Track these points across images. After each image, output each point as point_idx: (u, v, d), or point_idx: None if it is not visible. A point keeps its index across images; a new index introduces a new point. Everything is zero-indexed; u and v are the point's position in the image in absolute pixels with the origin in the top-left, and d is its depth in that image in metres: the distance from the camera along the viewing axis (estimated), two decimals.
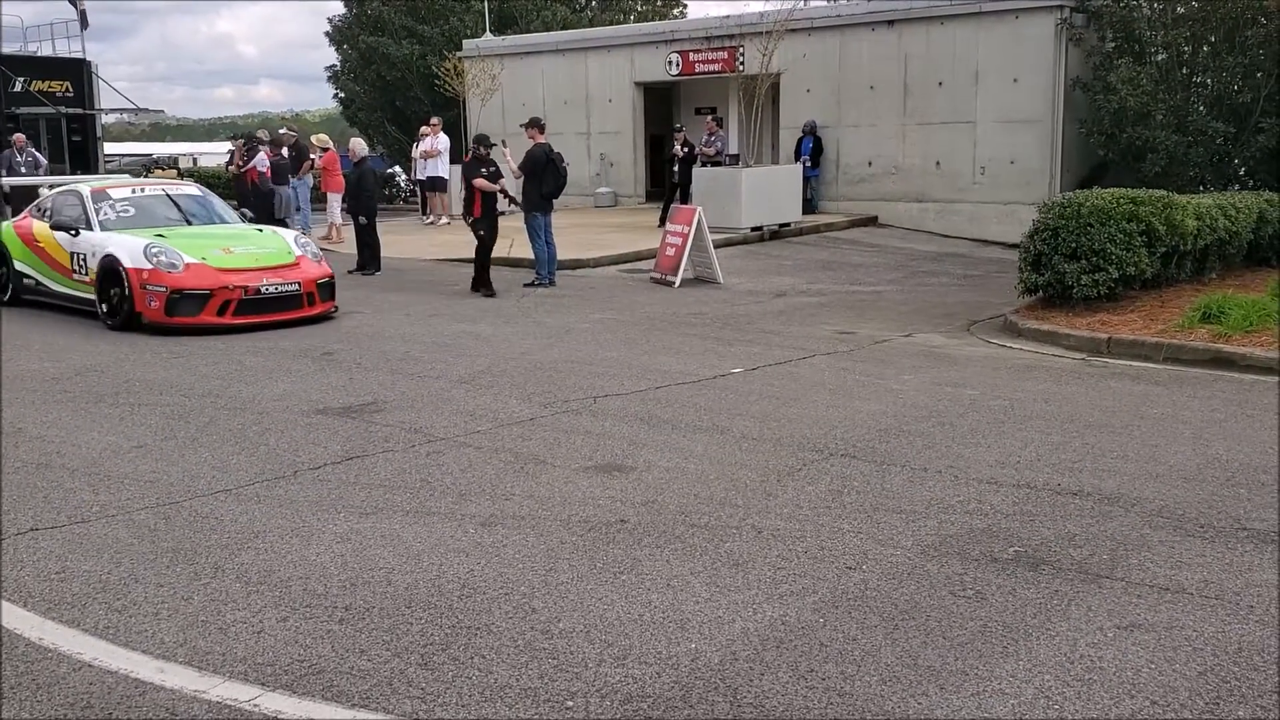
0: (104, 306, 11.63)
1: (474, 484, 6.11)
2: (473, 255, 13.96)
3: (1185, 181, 16.62)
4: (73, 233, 12.29)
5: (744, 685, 3.82)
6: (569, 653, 4.08)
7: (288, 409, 7.81)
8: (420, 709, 3.68)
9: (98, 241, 11.96)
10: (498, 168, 13.98)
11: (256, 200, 18.39)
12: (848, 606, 4.48)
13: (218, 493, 6.01)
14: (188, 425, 7.44)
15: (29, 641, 4.18)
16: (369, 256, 16.02)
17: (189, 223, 12.90)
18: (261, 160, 18.63)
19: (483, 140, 14.26)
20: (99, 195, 12.76)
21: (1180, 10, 18.03)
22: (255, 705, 3.70)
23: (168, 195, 13.51)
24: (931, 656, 4.04)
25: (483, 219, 13.71)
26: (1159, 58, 18.37)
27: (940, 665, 3.97)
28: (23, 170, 19.79)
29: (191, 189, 14.19)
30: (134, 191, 13.21)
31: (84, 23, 35.22)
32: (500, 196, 14.00)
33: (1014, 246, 13.92)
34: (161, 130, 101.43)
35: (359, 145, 17.36)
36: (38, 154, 21.76)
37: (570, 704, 3.71)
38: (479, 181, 13.64)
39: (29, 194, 18.67)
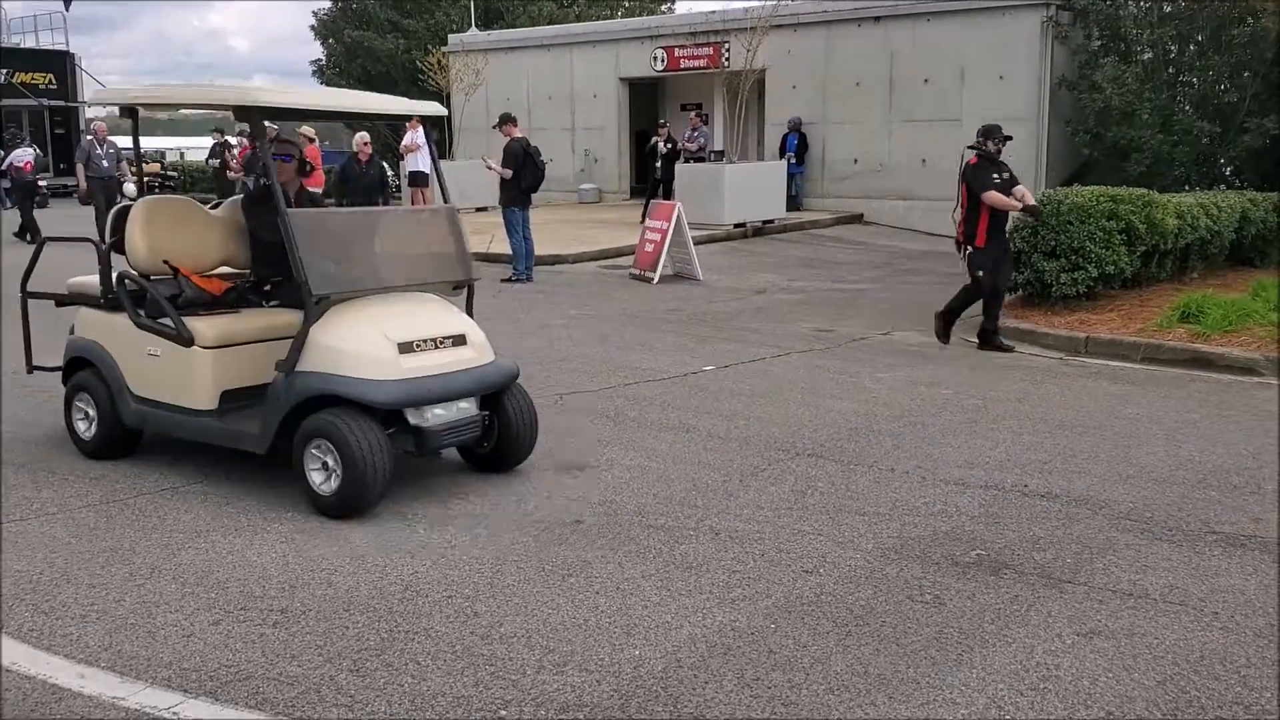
0: None
1: (427, 483, 5.96)
2: None
3: (1170, 181, 16.50)
4: None
5: (686, 694, 3.68)
6: (508, 659, 3.94)
7: None
8: (345, 716, 3.53)
9: None
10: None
11: (16, 190, 19.24)
12: (801, 612, 4.35)
13: (164, 490, 5.85)
14: None
15: None
16: None
17: None
18: (19, 155, 19.33)
19: None
20: None
21: (1167, 9, 17.93)
22: (174, 713, 3.55)
23: None
24: (882, 664, 3.91)
25: None
26: (1145, 56, 18.27)
27: (891, 673, 3.84)
28: (104, 163, 19.00)
29: None
30: None
31: (67, 4, 34.88)
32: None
33: None
34: (152, 124, 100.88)
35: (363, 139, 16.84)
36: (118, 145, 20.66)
37: (503, 713, 3.57)
38: None
39: (107, 185, 18.80)
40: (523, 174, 13.94)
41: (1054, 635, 4.14)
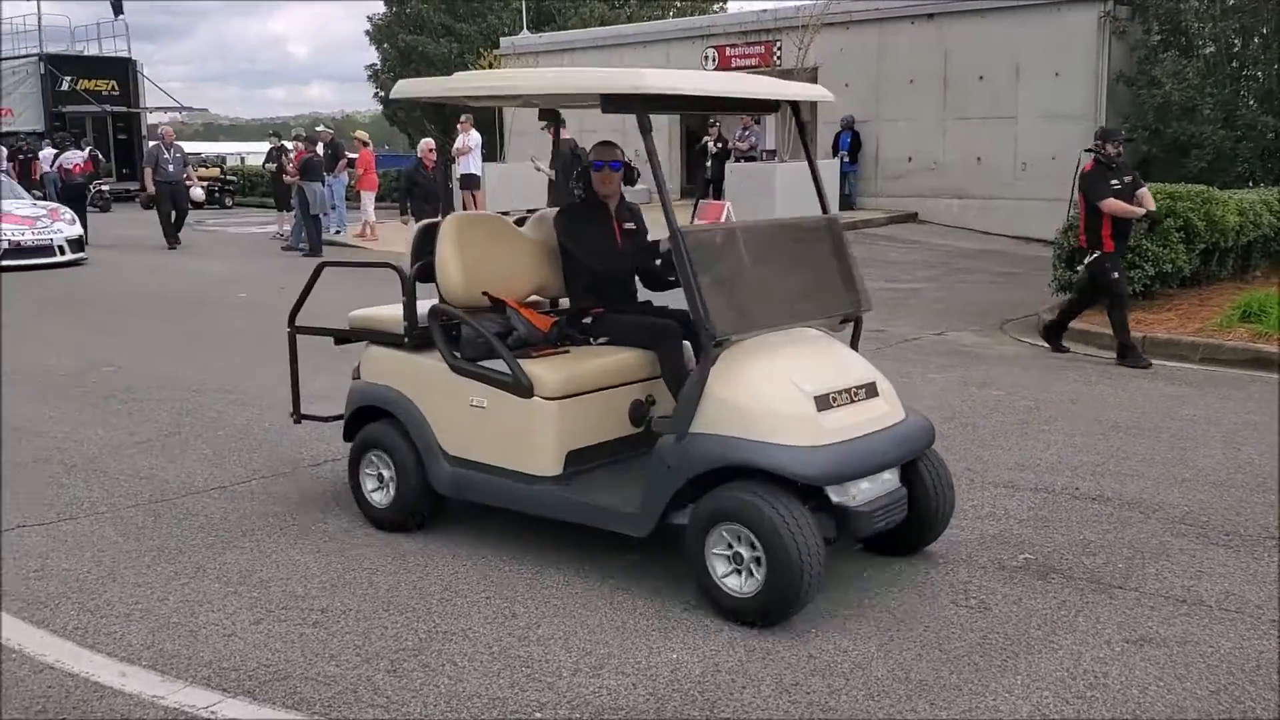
0: None
1: None
2: None
3: (1233, 177, 16.14)
4: None
5: (723, 699, 3.64)
6: (544, 660, 3.91)
7: None
8: (381, 717, 3.53)
9: None
10: None
11: (65, 193, 20.18)
12: (843, 616, 4.28)
13: (213, 489, 5.91)
14: (194, 421, 7.37)
15: None
16: None
17: None
18: (68, 158, 20.69)
19: None
20: None
21: (1230, 1, 17.55)
22: (213, 712, 3.57)
23: None
24: (924, 669, 3.83)
25: None
26: (1207, 50, 17.90)
27: (933, 679, 3.76)
28: (170, 167, 19.19)
29: None
30: None
31: (118, 9, 35.46)
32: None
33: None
34: (213, 130, 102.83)
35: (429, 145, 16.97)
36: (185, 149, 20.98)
37: (538, 715, 3.55)
38: None
39: (174, 190, 19.15)
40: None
41: (1103, 642, 4.04)
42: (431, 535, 5.16)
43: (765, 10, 22.85)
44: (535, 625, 4.20)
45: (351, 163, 20.88)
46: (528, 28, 28.73)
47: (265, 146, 23.94)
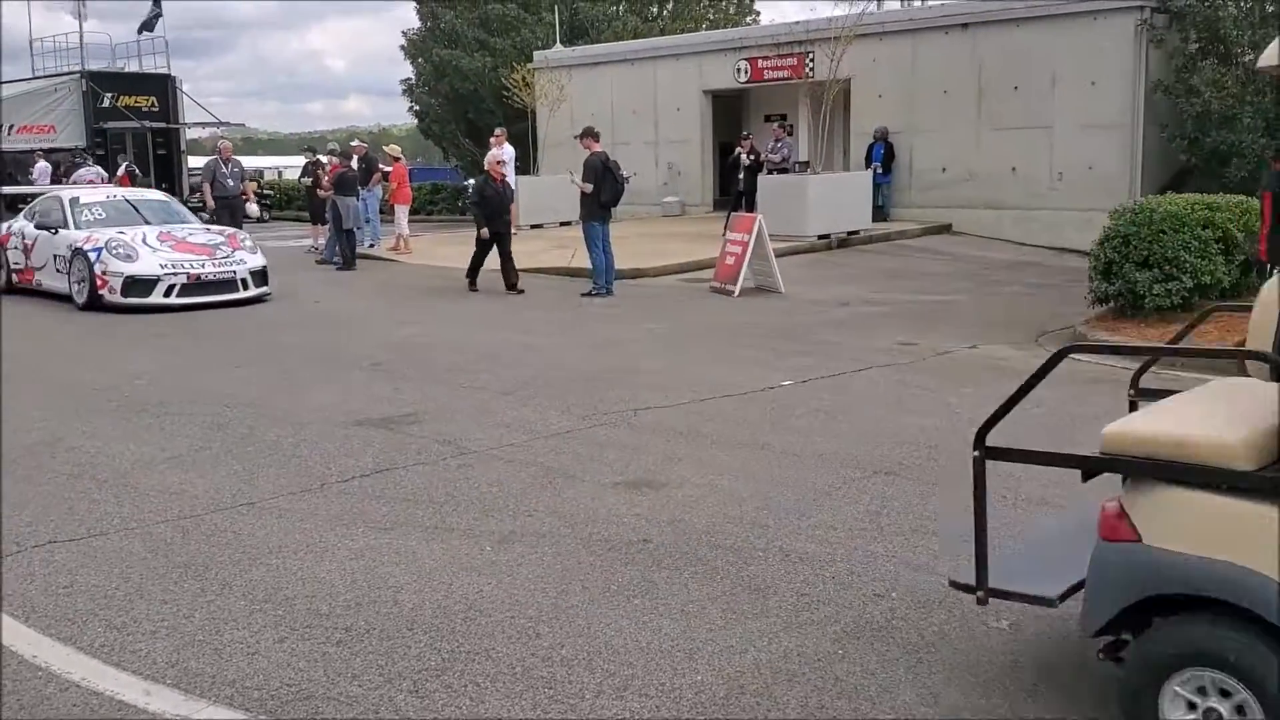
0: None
1: (498, 499, 5.95)
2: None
3: None
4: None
5: None
6: (568, 682, 3.88)
7: (326, 420, 7.74)
8: None
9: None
10: None
11: None
12: (870, 637, 4.22)
13: (240, 506, 5.93)
14: (225, 436, 7.41)
15: (22, 659, 4.10)
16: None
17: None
18: (81, 175, 20.85)
19: None
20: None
21: (1269, 8, 17.32)
22: None
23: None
24: (954, 694, 3.76)
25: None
26: (1246, 58, 17.65)
27: (963, 704, 3.69)
28: (229, 182, 18.72)
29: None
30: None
31: (148, 26, 35.91)
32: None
33: None
34: (253, 144, 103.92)
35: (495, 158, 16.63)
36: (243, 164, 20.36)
37: None
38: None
39: (231, 205, 18.73)
40: (602, 188, 13.96)
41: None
42: (454, 554, 5.14)
43: (798, 22, 22.78)
44: (559, 646, 4.17)
45: (386, 176, 21.01)
46: (561, 41, 28.82)
47: (301, 160, 24.13)
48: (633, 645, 4.17)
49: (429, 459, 6.75)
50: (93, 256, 13.68)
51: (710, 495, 6.00)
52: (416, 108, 35.78)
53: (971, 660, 4.02)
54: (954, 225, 20.79)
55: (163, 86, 36.07)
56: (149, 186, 33.46)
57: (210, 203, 19.14)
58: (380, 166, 21.00)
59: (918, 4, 23.67)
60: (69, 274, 14.15)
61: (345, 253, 18.25)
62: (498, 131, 20.13)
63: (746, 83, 24.26)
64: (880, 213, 20.80)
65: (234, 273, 14.11)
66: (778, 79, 23.65)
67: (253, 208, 21.31)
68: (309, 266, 19.17)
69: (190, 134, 40.25)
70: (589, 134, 14.48)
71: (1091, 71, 18.85)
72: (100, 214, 14.97)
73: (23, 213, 16.31)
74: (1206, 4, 17.86)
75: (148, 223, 14.92)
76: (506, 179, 14.79)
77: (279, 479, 6.39)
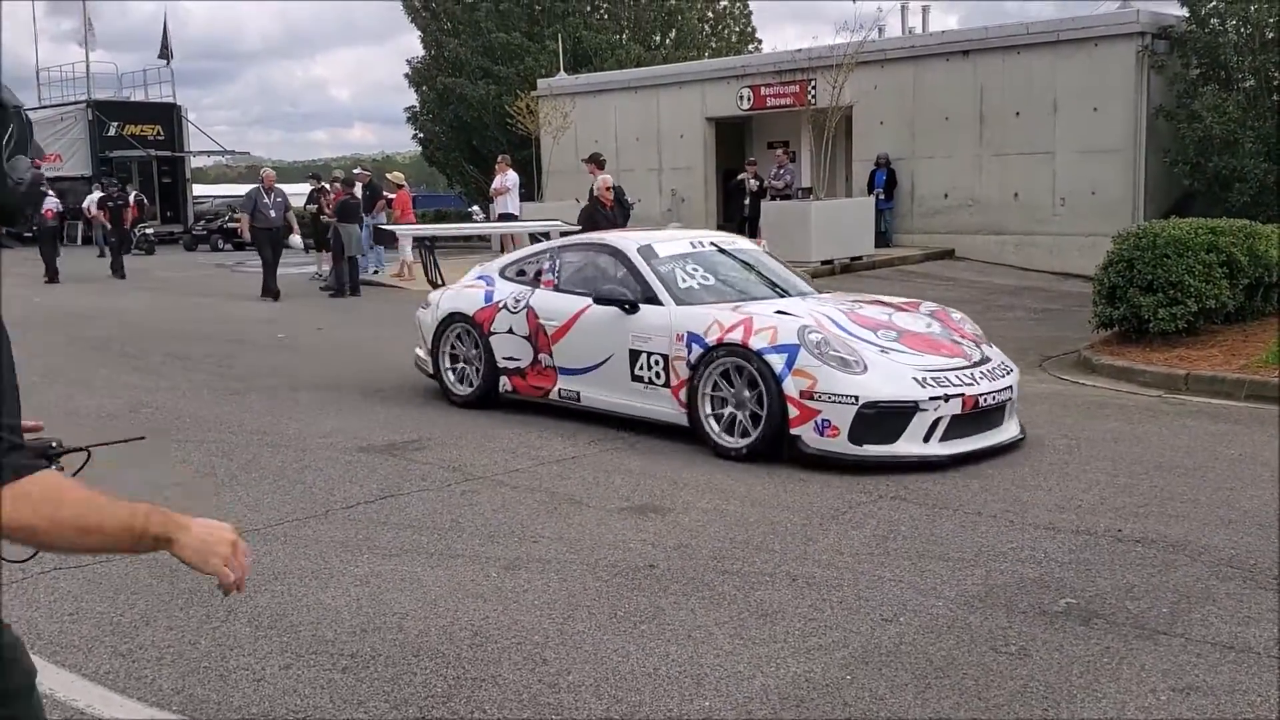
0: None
1: (503, 525, 5.94)
2: None
3: (1277, 211, 15.93)
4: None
5: None
6: (574, 708, 3.86)
7: (331, 446, 7.74)
8: None
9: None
10: None
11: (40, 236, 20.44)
12: (879, 662, 4.20)
13: (246, 532, 5.90)
14: (229, 462, 7.41)
15: None
16: None
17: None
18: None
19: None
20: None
21: (1270, 35, 17.41)
22: None
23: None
24: (963, 718, 3.74)
25: None
26: (1247, 84, 17.75)
27: None
28: (271, 213, 17.92)
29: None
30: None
31: (167, 55, 36.22)
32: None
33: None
34: (258, 173, 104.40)
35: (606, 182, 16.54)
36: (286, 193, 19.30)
37: None
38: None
39: (274, 236, 17.77)
40: (598, 220, 14.01)
41: (1147, 690, 3.93)
42: (460, 580, 5.13)
43: (800, 50, 22.91)
44: (565, 672, 4.15)
45: (389, 203, 21.09)
46: (564, 69, 28.98)
47: (306, 188, 24.23)
48: (640, 671, 4.15)
49: (434, 485, 6.74)
50: (777, 364, 7.02)
51: (716, 520, 5.99)
52: (421, 135, 35.92)
53: (980, 685, 3.99)
54: (956, 251, 20.84)
55: (168, 115, 36.36)
56: (154, 215, 33.71)
57: (246, 235, 18.42)
58: (384, 194, 21.10)
59: (919, 31, 23.79)
60: (697, 392, 7.42)
61: (344, 280, 18.27)
62: (501, 158, 20.23)
63: (749, 110, 24.37)
64: (883, 239, 20.88)
65: (1009, 389, 7.53)
66: (780, 106, 23.77)
67: (295, 239, 19.90)
68: (313, 293, 19.24)
69: (195, 162, 40.44)
70: (593, 160, 14.57)
71: (1093, 97, 18.94)
72: (699, 276, 8.33)
73: (501, 265, 9.45)
74: (1207, 30, 17.95)
75: (749, 294, 8.31)
76: (618, 201, 14.14)
77: (284, 505, 6.39)
